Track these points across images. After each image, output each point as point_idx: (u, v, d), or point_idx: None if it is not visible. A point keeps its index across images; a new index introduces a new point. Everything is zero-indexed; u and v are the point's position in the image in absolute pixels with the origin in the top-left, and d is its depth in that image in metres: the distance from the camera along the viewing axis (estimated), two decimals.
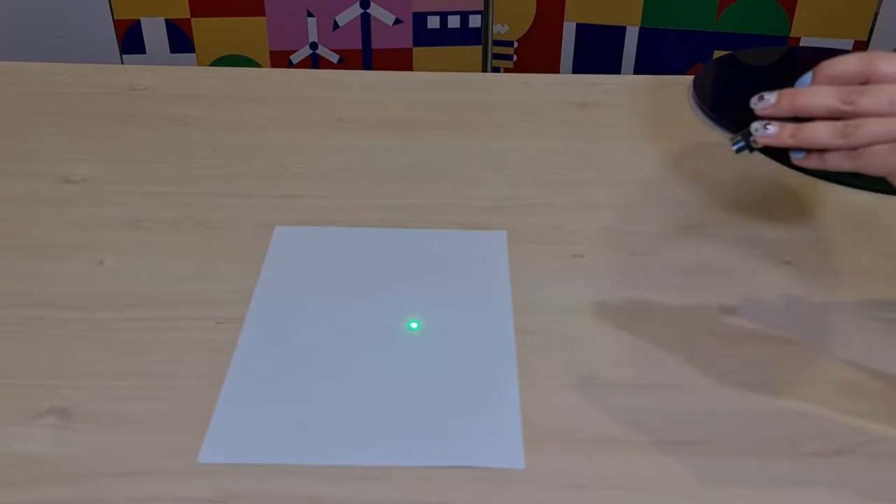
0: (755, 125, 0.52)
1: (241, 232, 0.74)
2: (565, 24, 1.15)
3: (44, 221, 0.75)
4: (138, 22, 1.06)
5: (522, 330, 0.65)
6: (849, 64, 0.50)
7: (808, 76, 0.52)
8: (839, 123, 0.50)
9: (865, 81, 0.50)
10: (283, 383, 0.60)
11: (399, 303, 0.67)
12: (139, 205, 0.77)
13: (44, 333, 0.64)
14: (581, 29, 1.14)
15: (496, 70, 1.20)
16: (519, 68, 1.19)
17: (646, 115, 0.93)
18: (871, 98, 0.49)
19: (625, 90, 0.98)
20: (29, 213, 0.76)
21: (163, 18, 1.06)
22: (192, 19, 1.06)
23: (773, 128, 0.51)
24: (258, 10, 1.06)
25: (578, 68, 1.18)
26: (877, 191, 0.76)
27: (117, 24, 1.06)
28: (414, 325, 0.65)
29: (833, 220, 0.77)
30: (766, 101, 0.52)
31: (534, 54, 1.16)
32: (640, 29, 1.12)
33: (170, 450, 0.55)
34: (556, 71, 1.19)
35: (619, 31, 1.13)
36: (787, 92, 0.52)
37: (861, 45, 1.09)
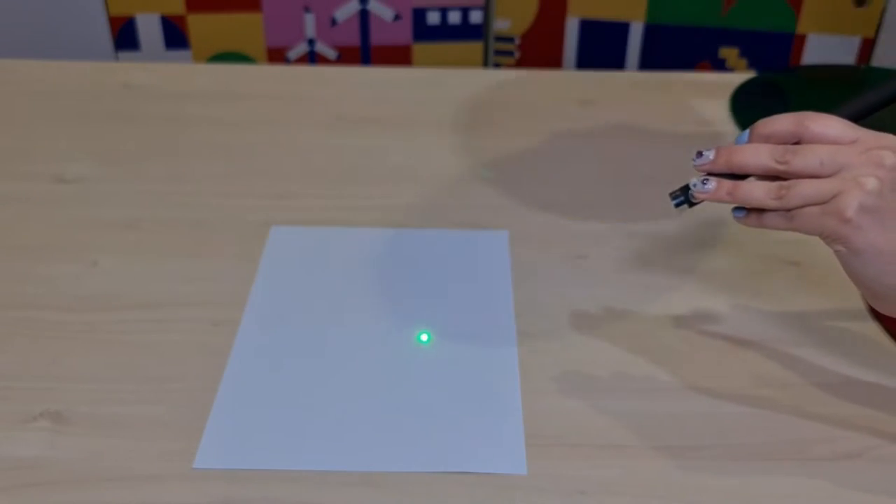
0: (693, 180, 0.53)
1: (237, 232, 0.73)
2: (568, 19, 1.14)
3: (37, 222, 0.74)
4: (133, 18, 1.05)
5: (524, 332, 0.64)
6: (782, 123, 0.52)
7: (745, 134, 0.54)
8: (774, 184, 0.51)
9: (798, 141, 0.52)
10: (280, 387, 0.59)
11: (398, 305, 0.66)
12: (134, 204, 0.77)
13: (37, 335, 0.63)
14: (585, 24, 1.13)
15: (497, 66, 1.19)
16: (521, 65, 1.18)
17: (651, 112, 0.92)
18: (803, 158, 0.50)
19: (629, 86, 0.97)
20: (22, 213, 0.75)
21: (158, 14, 1.05)
22: (188, 15, 1.05)
23: (711, 184, 0.52)
24: (254, 6, 1.05)
25: (582, 64, 1.17)
26: None
27: (111, 20, 1.05)
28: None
29: None
30: (705, 158, 0.53)
31: (536, 50, 1.15)
32: (645, 25, 1.11)
33: (165, 454, 0.54)
34: (560, 67, 1.18)
35: (624, 27, 1.12)
36: (723, 149, 0.53)
37: (869, 42, 1.08)
